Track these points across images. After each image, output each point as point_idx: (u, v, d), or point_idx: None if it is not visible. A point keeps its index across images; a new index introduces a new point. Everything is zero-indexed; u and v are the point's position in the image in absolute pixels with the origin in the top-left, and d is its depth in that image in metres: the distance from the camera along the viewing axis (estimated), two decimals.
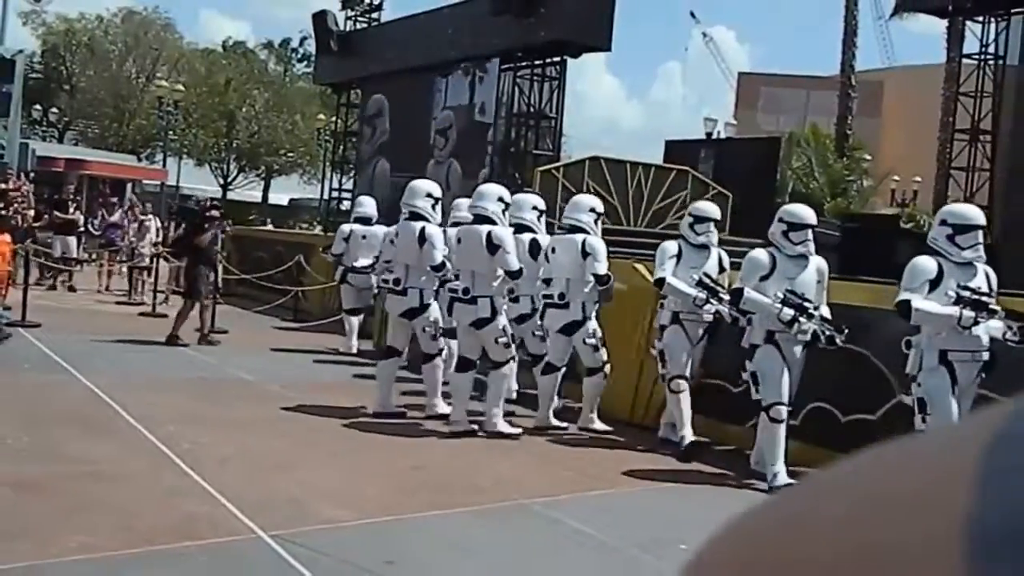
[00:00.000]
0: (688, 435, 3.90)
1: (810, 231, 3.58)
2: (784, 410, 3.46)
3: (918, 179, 16.64)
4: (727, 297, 3.82)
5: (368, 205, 6.44)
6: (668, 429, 4.17)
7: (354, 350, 6.13)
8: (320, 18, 12.51)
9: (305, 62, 24.00)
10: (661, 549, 2.70)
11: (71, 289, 9.14)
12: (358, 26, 12.38)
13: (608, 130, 48.14)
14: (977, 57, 8.45)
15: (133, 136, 22.08)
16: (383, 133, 11.26)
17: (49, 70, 22.68)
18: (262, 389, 4.81)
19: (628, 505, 3.22)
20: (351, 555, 2.44)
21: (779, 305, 3.40)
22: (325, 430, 4.00)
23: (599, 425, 4.26)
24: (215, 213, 6.73)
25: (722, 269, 4.10)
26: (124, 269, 9.38)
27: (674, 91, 51.34)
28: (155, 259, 8.66)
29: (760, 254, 3.57)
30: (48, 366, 4.86)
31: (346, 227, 6.39)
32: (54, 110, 21.84)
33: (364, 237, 6.07)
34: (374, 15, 12.29)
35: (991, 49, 8.27)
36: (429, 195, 4.33)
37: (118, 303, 8.60)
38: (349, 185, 12.74)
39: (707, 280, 3.93)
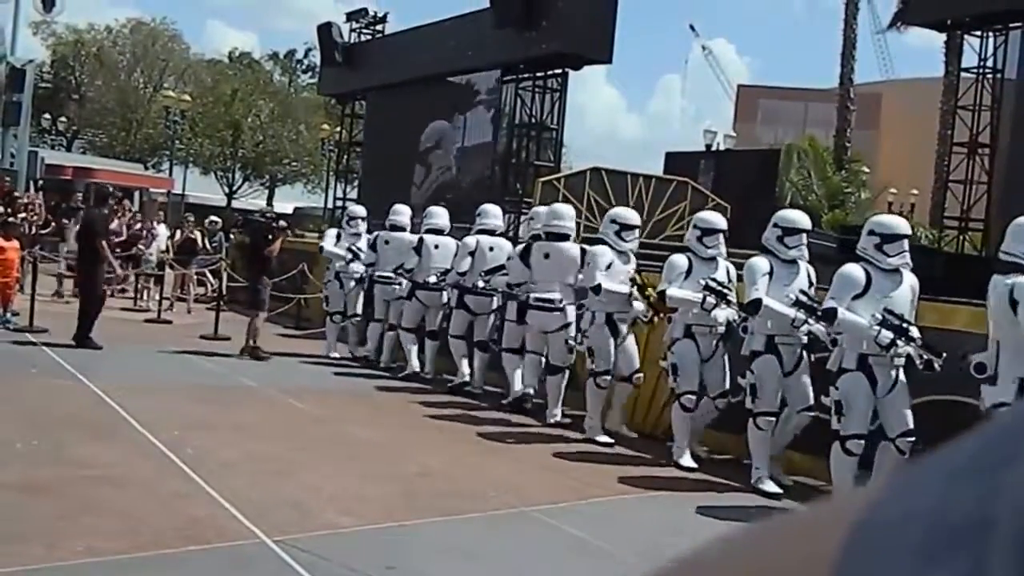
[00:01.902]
0: (766, 475, 3.59)
1: (906, 242, 3.32)
2: (861, 445, 3.19)
3: (915, 191, 16.70)
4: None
5: (496, 216, 5.77)
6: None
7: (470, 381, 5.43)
8: (325, 30, 12.69)
9: (310, 73, 24.24)
10: (661, 557, 2.71)
11: (77, 295, 9.21)
12: (362, 38, 12.55)
13: (608, 141, 48.35)
14: (975, 71, 8.53)
15: (140, 145, 22.29)
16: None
17: (58, 80, 22.94)
18: (265, 395, 4.85)
19: (628, 513, 3.24)
20: (353, 560, 2.47)
21: (876, 328, 3.12)
22: (327, 435, 4.04)
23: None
24: (283, 224, 6.69)
25: (810, 285, 3.74)
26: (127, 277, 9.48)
27: (674, 103, 51.61)
28: (161, 266, 8.74)
29: (854, 269, 3.26)
30: (55, 371, 4.91)
31: (471, 239, 5.45)
32: (63, 119, 22.03)
33: (491, 249, 5.48)
34: (378, 27, 12.45)
35: (989, 63, 8.35)
36: (573, 217, 4.90)
37: (124, 309, 8.67)
38: (353, 194, 12.85)
39: (804, 299, 3.57)
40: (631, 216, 4.53)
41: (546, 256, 4.61)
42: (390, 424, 4.47)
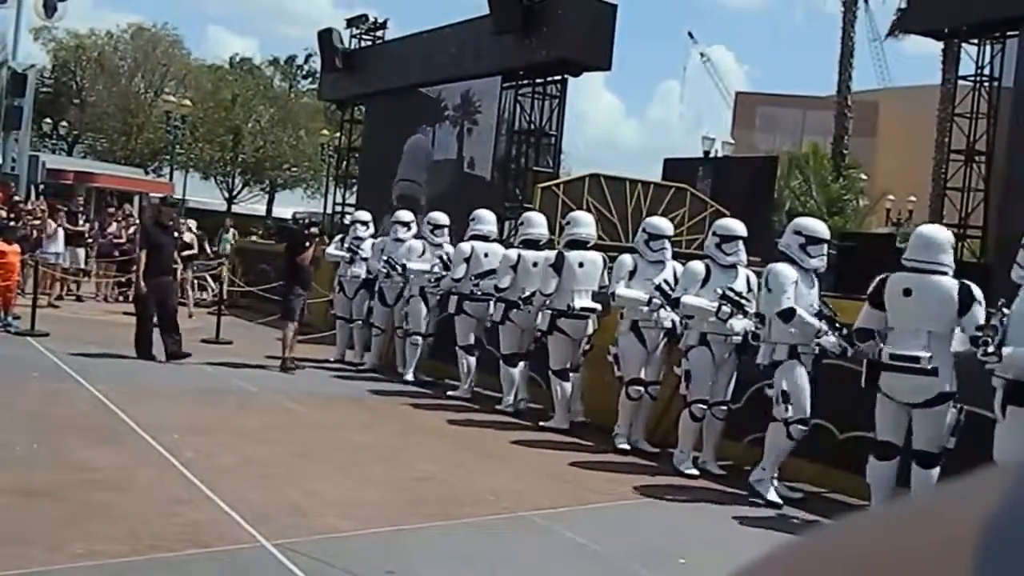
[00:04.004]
0: (770, 485, 3.57)
1: (951, 255, 3.32)
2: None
3: (913, 199, 16.77)
4: (842, 327, 3.55)
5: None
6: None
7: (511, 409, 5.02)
8: (325, 36, 12.73)
9: (310, 79, 24.29)
10: (661, 563, 2.73)
11: (79, 299, 9.25)
12: (362, 44, 12.59)
13: (607, 147, 48.56)
14: (972, 78, 8.58)
15: (141, 150, 22.31)
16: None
17: (59, 84, 23.00)
18: (266, 399, 4.86)
19: (628, 518, 3.24)
20: (352, 564, 2.48)
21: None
22: (328, 440, 4.05)
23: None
24: (315, 231, 6.22)
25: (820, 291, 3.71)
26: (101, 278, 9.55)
27: (672, 110, 51.95)
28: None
29: (953, 284, 3.17)
30: (56, 375, 4.91)
31: (513, 253, 5.18)
32: (64, 123, 22.12)
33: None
34: (378, 34, 12.50)
35: (986, 71, 8.40)
36: (593, 223, 4.99)
37: (125, 313, 8.67)
38: (352, 200, 12.89)
39: (827, 310, 3.62)
40: (660, 225, 4.46)
41: (580, 265, 4.64)
42: (390, 429, 4.47)
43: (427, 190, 10.35)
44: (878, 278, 3.31)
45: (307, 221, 7.54)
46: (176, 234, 6.03)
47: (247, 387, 5.19)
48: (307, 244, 5.98)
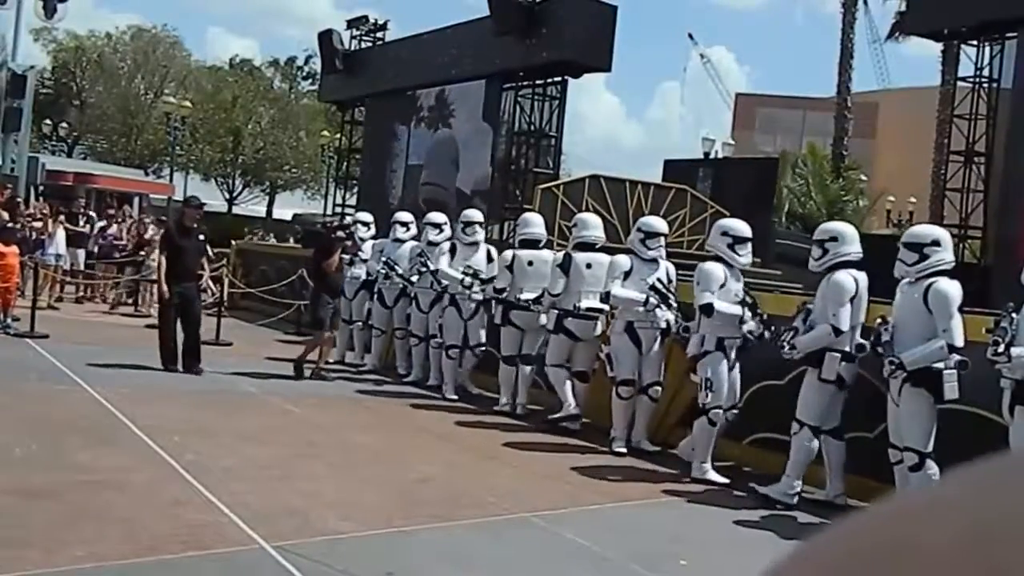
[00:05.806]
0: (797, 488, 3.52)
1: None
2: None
3: (913, 200, 16.80)
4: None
5: (538, 224, 5.30)
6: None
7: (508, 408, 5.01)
8: (326, 37, 12.75)
9: (310, 80, 24.30)
10: (661, 564, 2.73)
11: (79, 301, 9.25)
12: (363, 45, 12.61)
13: (607, 148, 48.64)
14: (972, 80, 8.59)
15: (141, 151, 22.31)
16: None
17: (59, 86, 23.02)
18: (265, 401, 4.86)
19: (629, 520, 3.24)
20: (352, 566, 2.48)
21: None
22: (328, 442, 4.04)
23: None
24: (342, 234, 5.85)
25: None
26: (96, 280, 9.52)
27: (672, 111, 52.13)
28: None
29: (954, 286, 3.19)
30: (55, 376, 4.91)
31: (508, 253, 5.12)
32: (64, 125, 22.10)
33: (531, 263, 5.01)
34: (379, 35, 12.51)
35: (985, 72, 8.41)
36: (601, 225, 4.96)
37: (125, 315, 8.68)
38: (352, 201, 12.90)
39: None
40: (655, 224, 4.49)
41: (588, 266, 4.65)
42: (390, 430, 4.47)
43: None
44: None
45: (335, 224, 6.98)
46: (201, 237, 5.70)
47: (247, 388, 5.19)
48: (334, 249, 5.69)
